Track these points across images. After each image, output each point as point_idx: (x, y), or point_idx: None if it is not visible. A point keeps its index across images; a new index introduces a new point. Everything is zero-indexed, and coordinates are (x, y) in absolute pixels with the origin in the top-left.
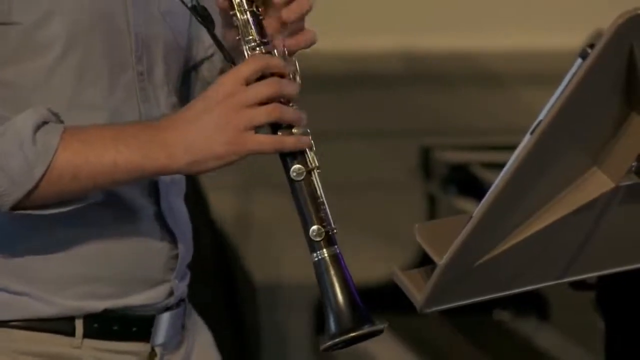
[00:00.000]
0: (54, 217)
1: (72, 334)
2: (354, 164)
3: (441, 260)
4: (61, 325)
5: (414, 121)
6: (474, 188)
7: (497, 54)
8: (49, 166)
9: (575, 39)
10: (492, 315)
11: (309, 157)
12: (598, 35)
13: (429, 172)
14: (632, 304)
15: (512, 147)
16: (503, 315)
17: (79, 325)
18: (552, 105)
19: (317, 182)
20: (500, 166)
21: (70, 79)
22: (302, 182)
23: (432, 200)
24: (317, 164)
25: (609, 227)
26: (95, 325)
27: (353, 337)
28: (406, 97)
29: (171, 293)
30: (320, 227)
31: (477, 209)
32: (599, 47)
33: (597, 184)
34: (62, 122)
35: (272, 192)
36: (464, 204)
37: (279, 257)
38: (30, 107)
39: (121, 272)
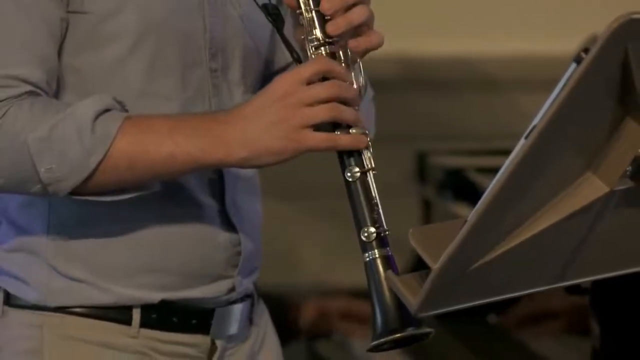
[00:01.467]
0: (115, 205)
1: (128, 323)
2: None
3: (436, 265)
4: (118, 313)
5: (410, 126)
6: (469, 193)
7: (493, 59)
8: (105, 155)
9: (572, 45)
10: (486, 319)
11: (365, 158)
12: (593, 39)
13: (424, 176)
14: (626, 308)
15: (507, 152)
16: (497, 320)
17: (136, 314)
18: (547, 110)
19: (372, 183)
20: (495, 171)
21: (142, 69)
22: (357, 182)
23: (427, 205)
24: (373, 166)
25: (603, 232)
26: (154, 315)
27: (399, 337)
28: (402, 102)
29: (233, 289)
30: (373, 228)
31: (472, 214)
32: (593, 51)
33: (591, 188)
34: (126, 110)
35: (282, 197)
36: (459, 208)
37: (289, 261)
38: (97, 94)
39: (181, 264)
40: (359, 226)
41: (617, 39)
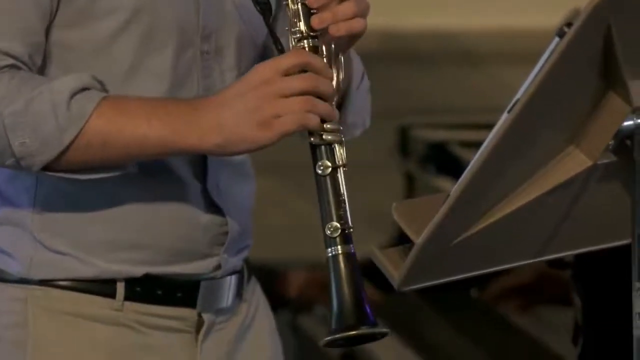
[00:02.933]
0: (100, 182)
1: (113, 296)
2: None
3: (418, 239)
4: (102, 287)
5: (392, 100)
6: (452, 167)
7: (476, 32)
8: (79, 133)
9: (555, 19)
10: (469, 293)
11: (337, 154)
12: (575, 13)
13: (407, 150)
14: (608, 281)
15: (490, 126)
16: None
17: (120, 287)
18: (529, 84)
19: (341, 179)
20: (478, 145)
21: (133, 45)
22: (327, 177)
23: (410, 179)
24: (344, 162)
25: (585, 206)
26: (138, 288)
27: (353, 335)
28: (384, 76)
29: (219, 267)
30: (337, 224)
31: (455, 188)
32: (576, 25)
33: (574, 162)
34: (106, 91)
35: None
36: (442, 182)
37: (262, 236)
38: (89, 71)
39: (163, 242)
40: (325, 221)
41: (600, 13)
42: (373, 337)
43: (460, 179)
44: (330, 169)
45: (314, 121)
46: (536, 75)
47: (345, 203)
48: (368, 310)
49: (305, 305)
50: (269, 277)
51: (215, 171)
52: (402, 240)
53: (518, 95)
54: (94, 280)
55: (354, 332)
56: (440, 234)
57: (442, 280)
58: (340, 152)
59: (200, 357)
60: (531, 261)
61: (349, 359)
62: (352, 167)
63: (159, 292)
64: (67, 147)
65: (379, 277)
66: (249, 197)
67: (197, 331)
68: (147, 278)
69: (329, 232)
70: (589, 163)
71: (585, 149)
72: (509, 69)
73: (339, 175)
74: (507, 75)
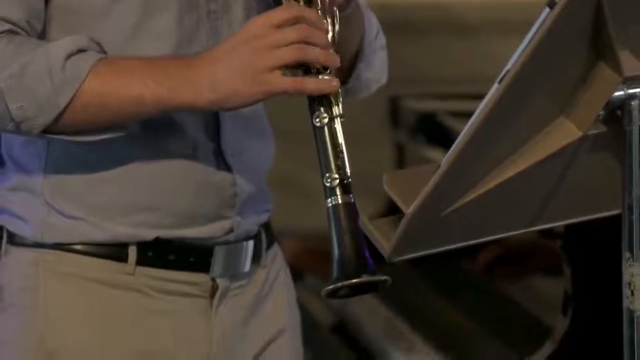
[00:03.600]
0: (108, 144)
1: (125, 260)
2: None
3: (409, 209)
4: (114, 251)
5: None
6: (442, 137)
7: (466, 3)
8: (75, 94)
9: None
10: (459, 263)
11: (334, 105)
12: None
13: (397, 121)
14: (598, 251)
15: (480, 96)
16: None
17: (132, 251)
18: (520, 55)
19: (339, 130)
20: (468, 115)
21: (135, 8)
22: (324, 128)
23: (400, 149)
24: (341, 112)
25: (576, 176)
26: (150, 253)
27: (355, 283)
28: None
29: (231, 230)
30: (336, 174)
31: (445, 158)
32: None
33: (564, 133)
34: (104, 52)
35: None
36: (432, 152)
37: None
38: (91, 34)
39: (175, 203)
40: (323, 172)
41: None
42: (374, 286)
43: (451, 150)
44: (327, 119)
45: (310, 86)
46: (526, 46)
47: (343, 153)
48: (369, 258)
49: (297, 274)
50: None
51: (229, 128)
52: (392, 210)
53: (508, 66)
54: (105, 244)
55: (356, 281)
56: (431, 205)
57: (432, 251)
58: (337, 103)
59: (215, 321)
60: (522, 231)
61: (340, 328)
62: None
63: (171, 257)
64: (64, 109)
65: (369, 247)
66: (263, 157)
67: (212, 296)
68: (159, 242)
69: (327, 182)
70: (580, 133)
71: (575, 120)
72: (499, 39)
73: (336, 125)
74: (497, 46)
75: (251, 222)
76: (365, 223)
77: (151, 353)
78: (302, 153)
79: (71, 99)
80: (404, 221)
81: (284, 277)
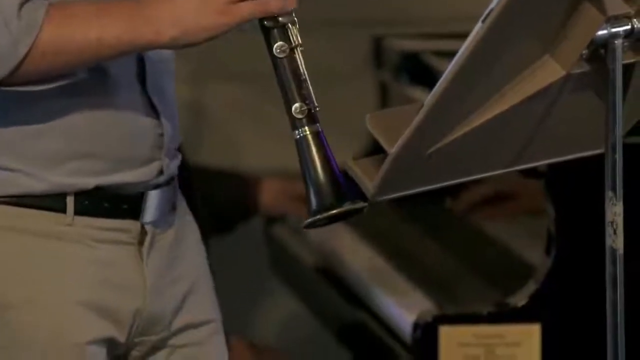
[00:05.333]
0: (41, 93)
1: (63, 210)
2: (303, 54)
3: (393, 149)
4: (52, 201)
5: (365, 10)
6: (426, 77)
7: None
8: (33, 43)
9: None
10: (443, 203)
11: (292, 35)
12: None
13: (381, 61)
14: (581, 190)
15: (464, 36)
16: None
17: (70, 201)
18: None
19: (300, 59)
20: (452, 54)
21: None
22: (285, 59)
23: (383, 89)
24: (299, 42)
25: (559, 116)
26: (86, 202)
27: (334, 214)
28: None
29: (161, 172)
30: (302, 104)
31: (429, 98)
32: None
33: (548, 72)
34: None
35: (225, 82)
36: (416, 92)
37: (234, 147)
38: None
39: (110, 148)
40: (288, 103)
41: None
42: (352, 213)
43: (435, 89)
44: (288, 49)
45: (274, 5)
46: None
47: (307, 83)
48: (344, 185)
49: (279, 214)
50: (241, 186)
51: (153, 71)
52: (376, 150)
53: (492, 5)
54: (43, 195)
55: (334, 212)
56: (414, 144)
57: (416, 190)
58: (295, 32)
59: (146, 268)
60: (505, 171)
61: (323, 269)
62: (326, 77)
63: (106, 205)
64: (23, 59)
65: (353, 187)
66: (174, 96)
67: (140, 243)
68: (96, 190)
69: (294, 113)
70: (563, 72)
71: (559, 59)
72: None
73: (297, 55)
74: None
75: (174, 164)
76: (349, 163)
77: (92, 303)
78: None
79: (30, 48)
80: (387, 161)
81: (190, 217)
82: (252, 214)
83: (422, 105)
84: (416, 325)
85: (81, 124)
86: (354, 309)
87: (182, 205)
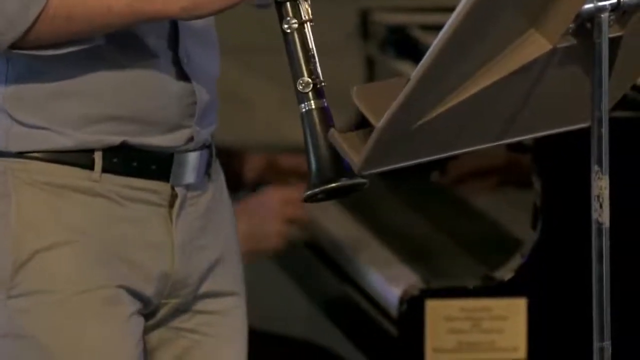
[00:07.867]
0: (67, 57)
1: (91, 167)
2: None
3: (379, 123)
4: (80, 157)
5: None
6: (412, 50)
7: None
8: (44, 7)
9: None
10: (429, 177)
11: (303, 10)
12: None
13: (367, 34)
14: (567, 164)
15: (451, 9)
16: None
17: (97, 158)
18: None
19: (309, 34)
20: (438, 28)
21: None
22: (294, 33)
23: (370, 63)
24: (310, 17)
25: (546, 89)
26: (115, 160)
27: (333, 187)
28: None
29: (191, 139)
30: (309, 79)
31: (415, 71)
32: None
33: (534, 46)
34: None
35: None
36: (403, 65)
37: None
38: None
39: (137, 113)
40: (296, 77)
41: None
42: (352, 189)
43: (421, 63)
44: (297, 24)
45: None
46: None
47: (315, 58)
48: (345, 162)
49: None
50: (227, 159)
51: (185, 38)
52: (362, 124)
53: None
54: (71, 150)
55: (334, 185)
56: (401, 118)
57: (402, 164)
58: (306, 8)
59: (175, 230)
60: (492, 144)
61: (312, 243)
62: None
63: (135, 164)
64: (33, 23)
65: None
66: (214, 67)
67: (171, 206)
68: (124, 148)
69: (300, 87)
70: (549, 46)
71: (545, 32)
72: None
73: (306, 30)
74: None
75: (207, 132)
76: (335, 136)
77: (119, 259)
78: (266, 68)
79: (40, 12)
80: (374, 134)
81: (225, 188)
82: (237, 189)
83: (408, 79)
84: (402, 299)
85: (107, 87)
86: (340, 284)
87: (220, 178)
